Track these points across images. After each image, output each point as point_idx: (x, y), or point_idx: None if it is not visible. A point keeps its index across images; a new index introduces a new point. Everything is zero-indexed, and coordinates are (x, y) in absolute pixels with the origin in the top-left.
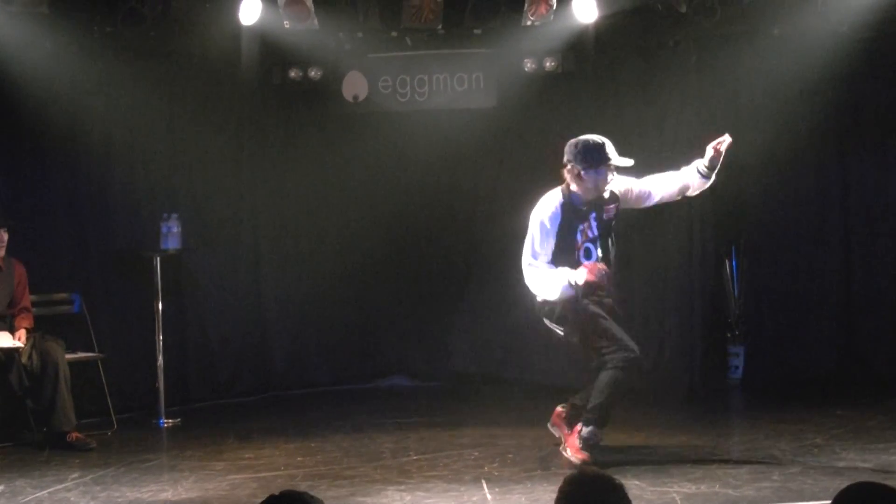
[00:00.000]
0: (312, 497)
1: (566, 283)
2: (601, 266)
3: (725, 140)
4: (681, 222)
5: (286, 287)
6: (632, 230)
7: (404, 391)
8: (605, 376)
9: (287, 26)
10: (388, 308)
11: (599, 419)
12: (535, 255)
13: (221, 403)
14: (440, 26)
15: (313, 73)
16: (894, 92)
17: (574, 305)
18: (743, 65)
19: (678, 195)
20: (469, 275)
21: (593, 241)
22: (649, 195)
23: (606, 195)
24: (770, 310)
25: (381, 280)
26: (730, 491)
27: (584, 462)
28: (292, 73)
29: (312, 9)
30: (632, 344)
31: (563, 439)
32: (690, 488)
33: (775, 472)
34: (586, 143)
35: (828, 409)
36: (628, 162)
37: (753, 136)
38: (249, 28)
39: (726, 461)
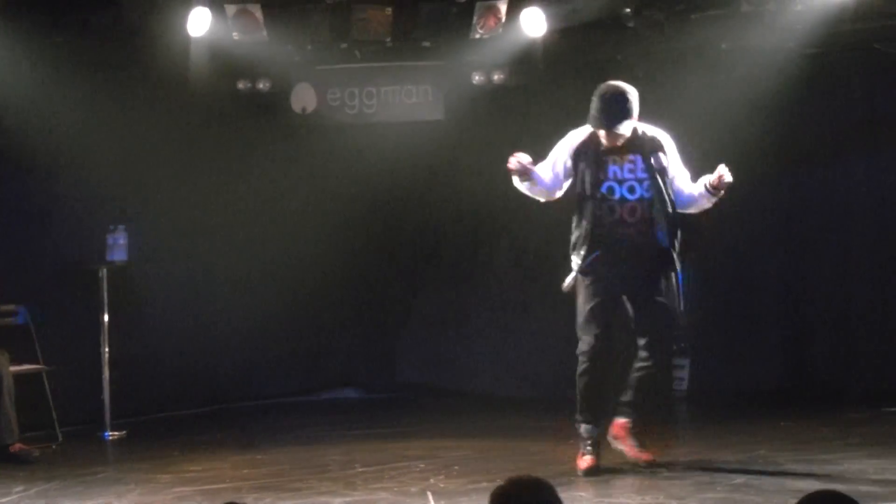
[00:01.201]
0: None
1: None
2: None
3: (725, 176)
4: None
5: (233, 299)
6: None
7: (351, 403)
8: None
9: (236, 38)
10: (335, 320)
11: (586, 416)
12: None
13: (167, 416)
14: (389, 39)
15: (262, 85)
16: (839, 106)
17: (576, 276)
18: (690, 80)
19: (692, 207)
20: (417, 286)
21: (629, 183)
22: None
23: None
24: (715, 322)
25: (329, 292)
26: (674, 502)
27: (584, 470)
28: (241, 85)
29: (262, 20)
30: (594, 333)
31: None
32: (635, 499)
33: (719, 484)
34: (596, 99)
35: (772, 420)
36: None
37: (700, 150)
38: (198, 39)
39: (671, 473)
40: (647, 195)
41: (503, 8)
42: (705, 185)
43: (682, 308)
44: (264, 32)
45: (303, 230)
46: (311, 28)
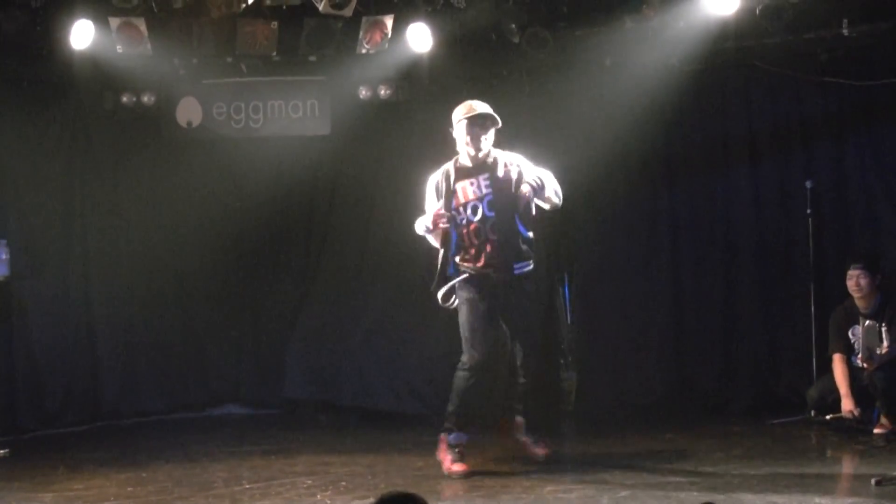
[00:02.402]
0: None
1: (423, 226)
2: (439, 211)
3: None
4: None
5: (117, 315)
6: None
7: (237, 419)
8: (455, 379)
9: (120, 51)
10: (220, 335)
11: (459, 424)
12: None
13: (51, 433)
14: (275, 53)
15: (147, 99)
16: (720, 122)
17: (457, 288)
18: (575, 94)
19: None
20: (303, 300)
21: (481, 199)
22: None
23: (491, 160)
24: (600, 336)
25: (214, 307)
26: None
27: (462, 473)
28: (125, 99)
29: (146, 34)
30: (480, 347)
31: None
32: None
33: (605, 496)
34: (462, 104)
35: (657, 433)
36: (484, 107)
37: (586, 164)
38: (82, 52)
39: (556, 486)
40: (489, 214)
41: (389, 23)
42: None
43: (568, 321)
44: (148, 46)
45: (187, 245)
46: (197, 42)
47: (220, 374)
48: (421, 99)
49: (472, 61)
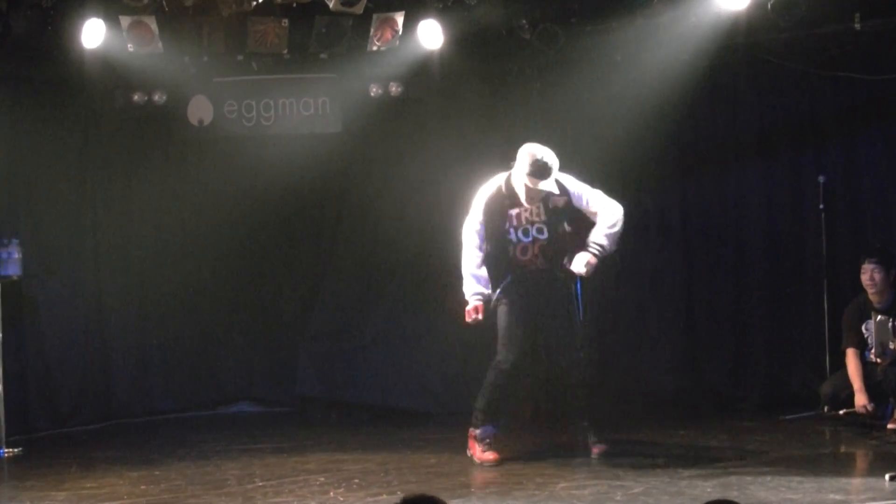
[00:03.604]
0: None
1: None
2: (475, 317)
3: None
4: None
5: (129, 313)
6: None
7: (250, 417)
8: (487, 376)
9: (131, 50)
10: (232, 333)
11: (485, 419)
12: (467, 231)
13: (63, 432)
14: (286, 51)
15: (158, 97)
16: (731, 118)
17: (500, 290)
18: (586, 90)
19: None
20: (314, 298)
21: (532, 223)
22: (595, 215)
23: (552, 189)
24: (614, 332)
25: (225, 305)
26: None
27: (494, 461)
28: (136, 98)
29: (157, 32)
30: (515, 349)
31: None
32: None
33: (618, 493)
34: (538, 158)
35: (670, 430)
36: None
37: (597, 161)
38: (93, 51)
39: (569, 483)
40: (540, 237)
41: (400, 20)
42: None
43: (580, 318)
44: (159, 44)
45: (199, 243)
46: (207, 40)
47: (232, 372)
48: (432, 96)
49: (483, 58)
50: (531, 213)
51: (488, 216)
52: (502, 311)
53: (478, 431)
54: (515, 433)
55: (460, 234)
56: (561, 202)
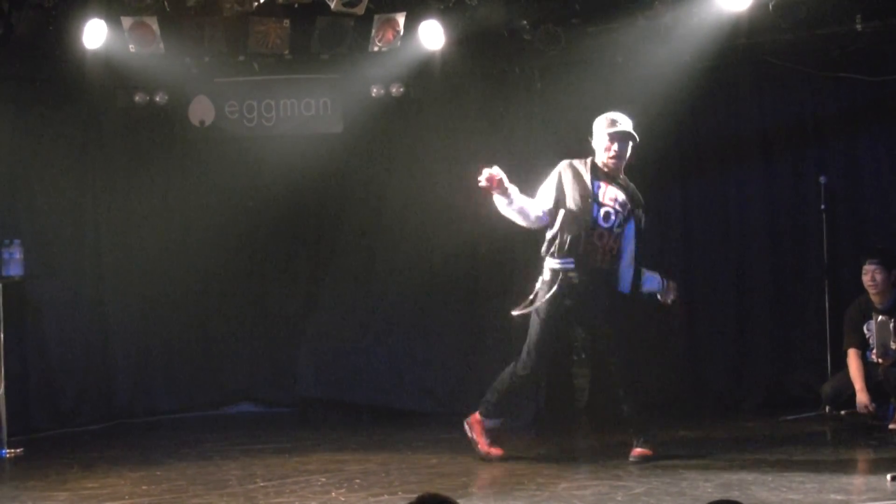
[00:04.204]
0: None
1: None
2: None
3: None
4: (529, 244)
5: (130, 313)
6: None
7: (251, 418)
8: (504, 374)
9: (133, 50)
10: (233, 334)
11: (495, 412)
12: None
13: (65, 432)
14: (287, 51)
15: (159, 98)
16: (733, 118)
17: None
18: (587, 91)
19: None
20: (315, 299)
21: (616, 212)
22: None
23: (622, 180)
24: None
25: (227, 305)
26: None
27: (498, 456)
28: (138, 98)
29: (158, 33)
30: (537, 359)
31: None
32: None
33: (619, 493)
34: (609, 113)
35: (671, 430)
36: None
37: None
38: (94, 52)
39: (571, 483)
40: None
41: (401, 21)
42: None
43: None
44: (161, 45)
45: (200, 244)
46: (209, 40)
47: (233, 372)
48: (433, 97)
49: (485, 58)
50: (616, 197)
51: (571, 174)
52: (539, 322)
53: (488, 422)
54: (517, 433)
55: (461, 233)
56: (641, 213)
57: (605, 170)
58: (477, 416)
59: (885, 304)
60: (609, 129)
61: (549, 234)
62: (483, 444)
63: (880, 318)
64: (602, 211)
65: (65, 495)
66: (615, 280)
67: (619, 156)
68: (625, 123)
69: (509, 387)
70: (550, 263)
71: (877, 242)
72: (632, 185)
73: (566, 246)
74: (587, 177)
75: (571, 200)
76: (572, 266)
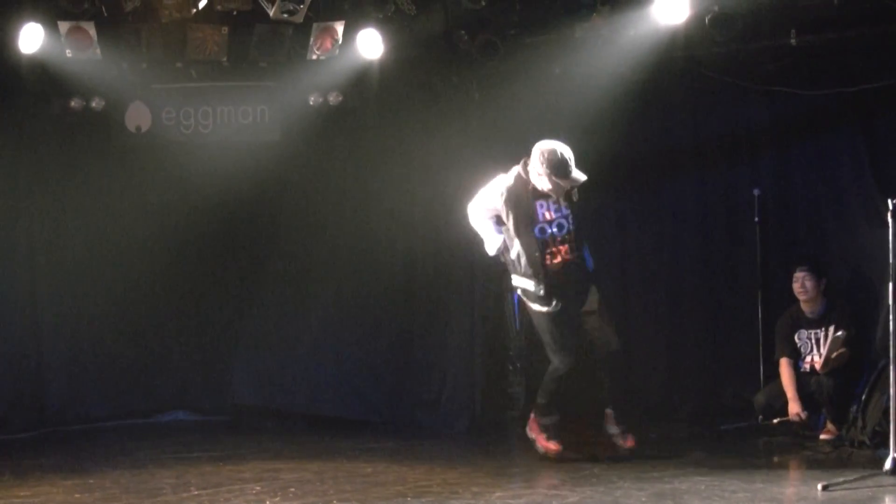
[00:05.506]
0: None
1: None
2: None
3: None
4: (461, 257)
5: (63, 320)
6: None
7: (186, 425)
8: (546, 379)
9: (69, 55)
10: (167, 341)
11: (547, 410)
12: (476, 202)
13: None
14: (225, 58)
15: (95, 103)
16: (668, 130)
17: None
18: (524, 102)
19: None
20: (250, 306)
21: (565, 216)
22: None
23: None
24: None
25: (161, 312)
26: None
27: (557, 452)
28: (74, 103)
29: (95, 38)
30: (567, 351)
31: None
32: None
33: (553, 502)
34: (555, 155)
35: (604, 441)
36: (583, 177)
37: None
38: (30, 56)
39: (504, 492)
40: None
41: (340, 29)
42: None
43: (517, 328)
44: (98, 50)
45: (134, 250)
46: (146, 46)
47: (167, 380)
48: (371, 106)
49: (423, 68)
50: (559, 205)
51: (513, 202)
52: (545, 318)
53: (543, 420)
54: (452, 441)
55: (398, 241)
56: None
57: (554, 187)
58: (532, 416)
59: (815, 312)
60: (556, 176)
61: (511, 257)
62: (541, 441)
63: (838, 333)
64: (552, 227)
65: None
66: (583, 263)
67: (560, 193)
68: (574, 168)
69: (556, 387)
70: (520, 282)
71: (808, 252)
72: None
73: (530, 264)
74: (528, 199)
75: (522, 227)
76: (542, 275)
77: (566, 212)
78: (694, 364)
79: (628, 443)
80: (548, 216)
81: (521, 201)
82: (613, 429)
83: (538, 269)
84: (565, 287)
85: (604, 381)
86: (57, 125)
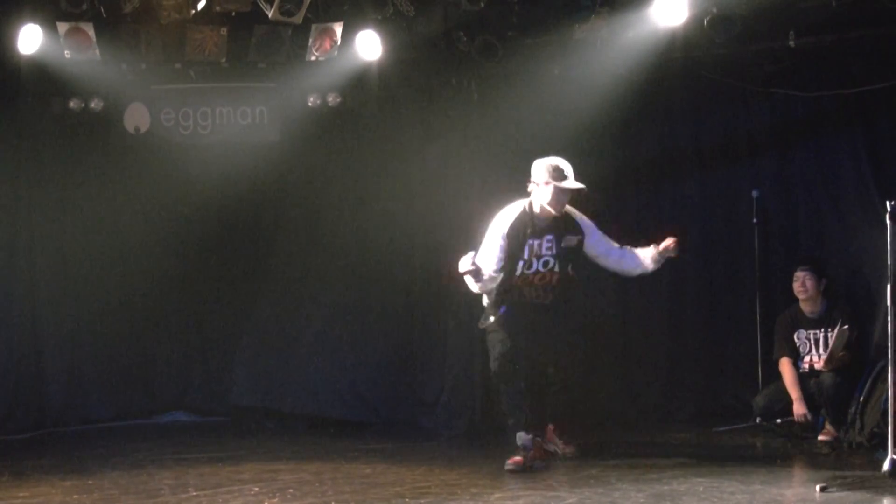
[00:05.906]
0: None
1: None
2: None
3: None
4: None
5: (63, 321)
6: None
7: (184, 426)
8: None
9: (68, 56)
10: (167, 342)
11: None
12: (485, 262)
13: None
14: (224, 59)
15: (94, 104)
16: (667, 132)
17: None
18: (524, 103)
19: (633, 272)
20: (250, 307)
21: (545, 258)
22: (607, 256)
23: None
24: None
25: (160, 313)
26: None
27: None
28: (73, 104)
29: (94, 39)
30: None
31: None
32: None
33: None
34: (554, 161)
35: (603, 443)
36: (581, 186)
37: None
38: (29, 57)
39: (503, 493)
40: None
41: (338, 31)
42: (652, 256)
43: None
44: (97, 51)
45: (134, 251)
46: (145, 47)
47: (166, 381)
48: (369, 107)
49: (421, 69)
50: (551, 245)
51: (511, 239)
52: (499, 338)
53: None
54: (451, 442)
55: (397, 242)
56: (574, 241)
57: (543, 215)
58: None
59: (815, 312)
60: (555, 179)
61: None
62: (559, 446)
63: (845, 326)
64: (538, 263)
65: None
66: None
67: (562, 207)
68: (571, 177)
69: (524, 402)
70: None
71: (809, 253)
72: (577, 221)
73: (505, 293)
74: (523, 235)
75: (509, 263)
76: (506, 311)
77: (557, 251)
78: (693, 365)
79: (569, 448)
80: (537, 251)
81: (518, 237)
82: (555, 444)
83: (503, 295)
84: (525, 307)
85: (547, 395)
86: (56, 126)
